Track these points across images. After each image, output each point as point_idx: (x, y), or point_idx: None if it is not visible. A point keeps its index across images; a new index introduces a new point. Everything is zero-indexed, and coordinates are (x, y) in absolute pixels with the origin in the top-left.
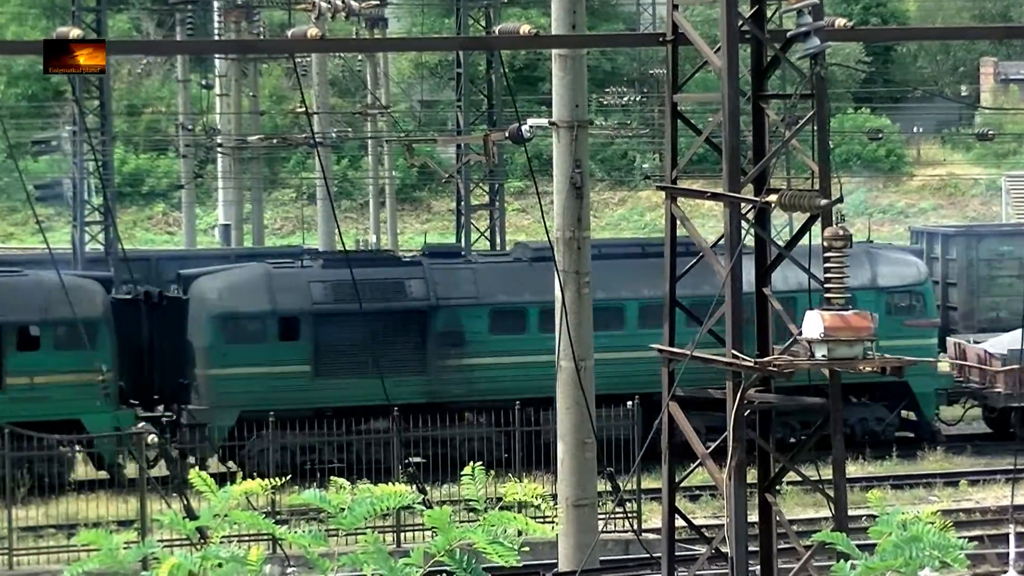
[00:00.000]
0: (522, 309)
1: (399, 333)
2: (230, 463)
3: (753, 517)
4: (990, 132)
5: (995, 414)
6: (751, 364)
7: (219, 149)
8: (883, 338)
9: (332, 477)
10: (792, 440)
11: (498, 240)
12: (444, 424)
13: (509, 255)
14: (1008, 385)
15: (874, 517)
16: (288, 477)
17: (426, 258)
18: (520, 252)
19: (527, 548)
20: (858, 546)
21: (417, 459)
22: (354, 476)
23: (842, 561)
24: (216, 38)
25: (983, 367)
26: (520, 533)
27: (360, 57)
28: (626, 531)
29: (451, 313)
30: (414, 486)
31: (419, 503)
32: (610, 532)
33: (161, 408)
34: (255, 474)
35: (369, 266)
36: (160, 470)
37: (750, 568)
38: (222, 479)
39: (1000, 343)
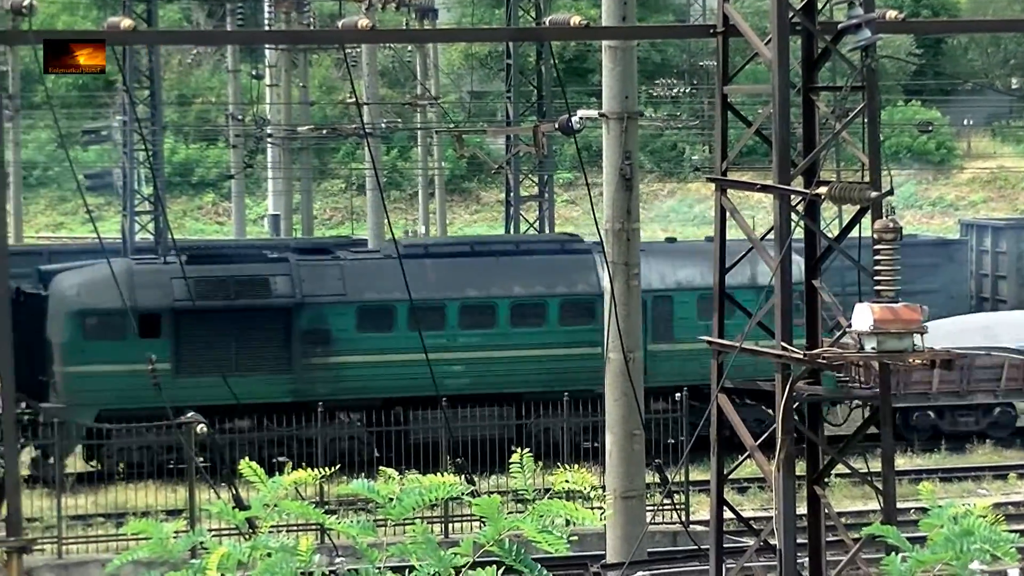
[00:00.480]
0: (390, 307)
1: (263, 331)
2: (93, 462)
3: (801, 509)
4: None
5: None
6: (800, 356)
7: (269, 139)
8: (765, 337)
9: (380, 467)
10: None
11: (547, 231)
12: (308, 423)
13: (379, 252)
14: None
15: (923, 510)
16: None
17: (293, 254)
18: (390, 249)
19: (575, 538)
20: (907, 539)
21: (283, 459)
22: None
23: (893, 554)
24: (266, 28)
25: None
26: (569, 523)
27: (410, 48)
28: (674, 523)
29: (317, 311)
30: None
31: (467, 494)
32: (658, 524)
33: (24, 405)
34: (116, 474)
35: (234, 262)
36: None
37: (798, 560)
38: (89, 478)
39: None
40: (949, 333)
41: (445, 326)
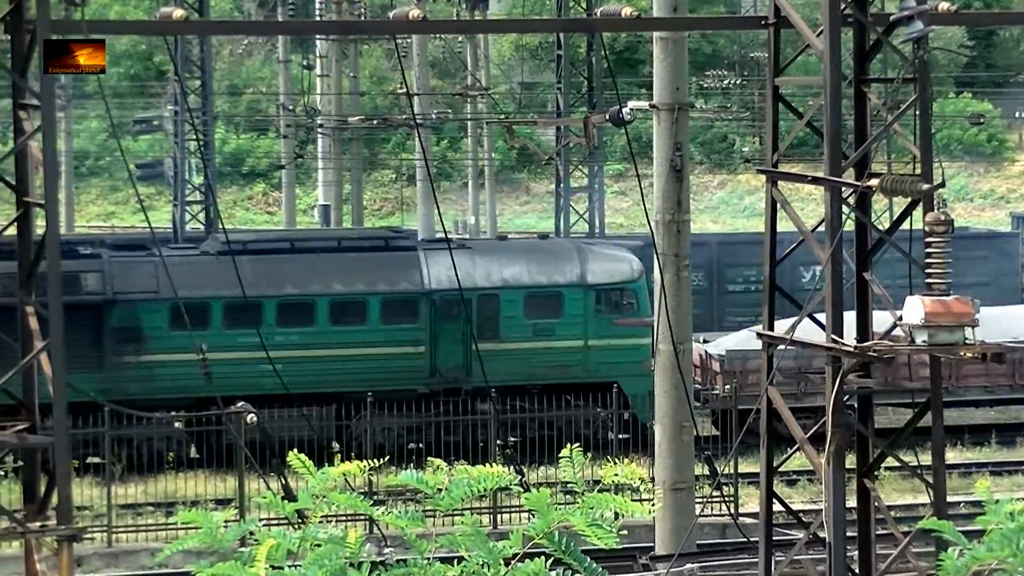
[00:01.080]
0: (205, 304)
1: (72, 328)
2: None
3: (851, 502)
4: None
5: (714, 417)
6: (851, 349)
7: (319, 129)
8: (592, 337)
9: (429, 457)
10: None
11: (596, 222)
12: (123, 423)
13: (197, 248)
14: (725, 387)
15: (975, 504)
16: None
17: (107, 250)
18: (209, 246)
19: (624, 532)
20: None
21: (96, 459)
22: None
23: (950, 549)
24: (317, 18)
25: (704, 368)
26: (618, 516)
27: (460, 38)
28: (723, 515)
29: (129, 308)
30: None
31: (517, 485)
32: (707, 516)
33: None
34: None
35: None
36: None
37: (847, 554)
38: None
39: (721, 344)
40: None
41: (262, 324)
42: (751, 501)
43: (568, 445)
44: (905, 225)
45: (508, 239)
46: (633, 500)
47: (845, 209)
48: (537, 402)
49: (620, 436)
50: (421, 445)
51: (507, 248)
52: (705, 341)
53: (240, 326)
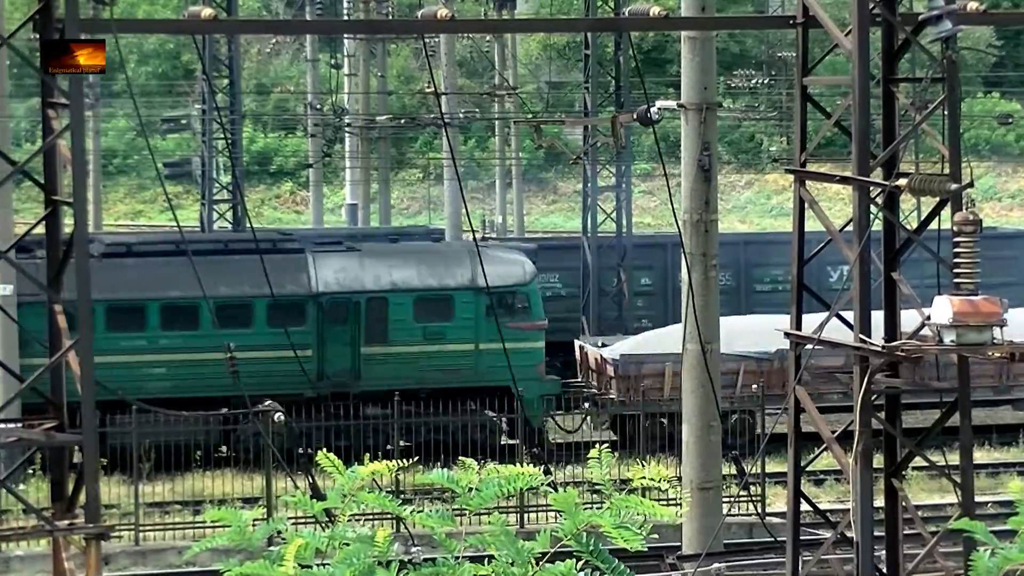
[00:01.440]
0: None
1: None
2: None
3: (879, 502)
4: None
5: (607, 423)
6: (879, 349)
7: (347, 129)
8: (484, 340)
9: (460, 457)
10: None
11: (624, 222)
12: None
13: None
14: (621, 392)
15: (1002, 503)
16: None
17: None
18: (93, 248)
19: (655, 536)
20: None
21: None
22: None
23: (981, 549)
24: (345, 18)
25: (600, 372)
26: (646, 519)
27: (488, 38)
28: (750, 514)
29: None
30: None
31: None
32: (734, 515)
33: None
34: None
35: None
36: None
37: (875, 553)
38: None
39: (617, 348)
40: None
41: (146, 327)
42: (778, 501)
43: (598, 448)
44: (933, 225)
45: (399, 241)
46: (660, 503)
47: (873, 209)
48: (427, 407)
49: (512, 441)
50: (311, 450)
51: (397, 251)
52: (603, 345)
53: (123, 329)
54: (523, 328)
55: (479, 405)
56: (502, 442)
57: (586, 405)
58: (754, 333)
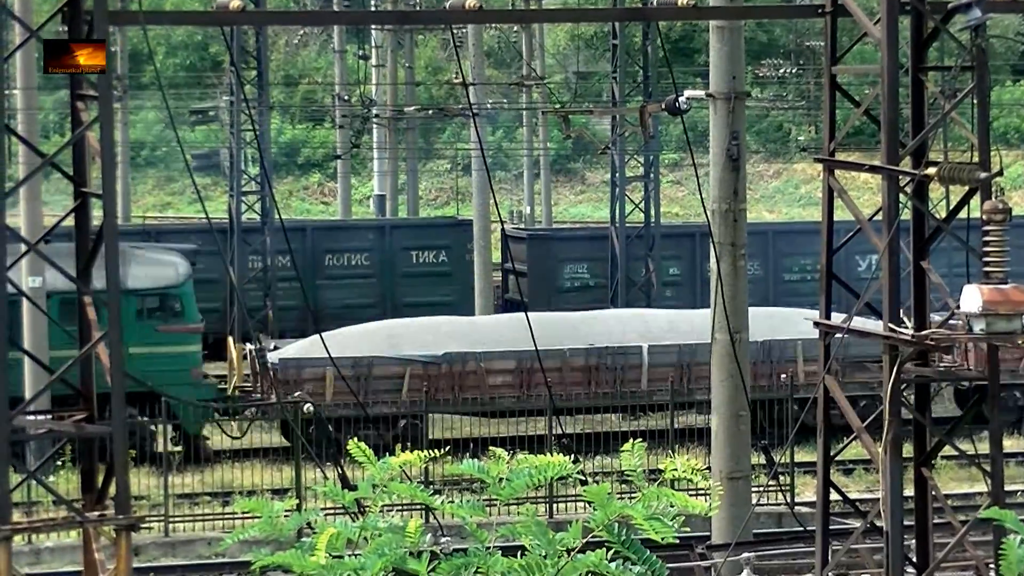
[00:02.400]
0: None
1: None
2: None
3: (908, 491)
4: None
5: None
6: (908, 338)
7: (375, 120)
8: (135, 344)
9: (490, 447)
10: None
11: (652, 212)
12: None
13: None
14: (282, 397)
15: None
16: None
17: None
18: None
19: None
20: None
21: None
22: None
23: (1011, 537)
24: (373, 9)
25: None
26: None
27: (516, 28)
28: (779, 504)
29: None
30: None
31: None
32: (763, 505)
33: None
34: None
35: None
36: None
37: (905, 543)
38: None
39: (287, 351)
40: None
41: None
42: (807, 490)
43: (632, 441)
44: (962, 214)
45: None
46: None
47: (902, 198)
48: None
49: (172, 448)
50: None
51: (49, 252)
52: (276, 348)
53: None
54: (176, 331)
55: (138, 412)
56: (158, 449)
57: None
58: (424, 334)
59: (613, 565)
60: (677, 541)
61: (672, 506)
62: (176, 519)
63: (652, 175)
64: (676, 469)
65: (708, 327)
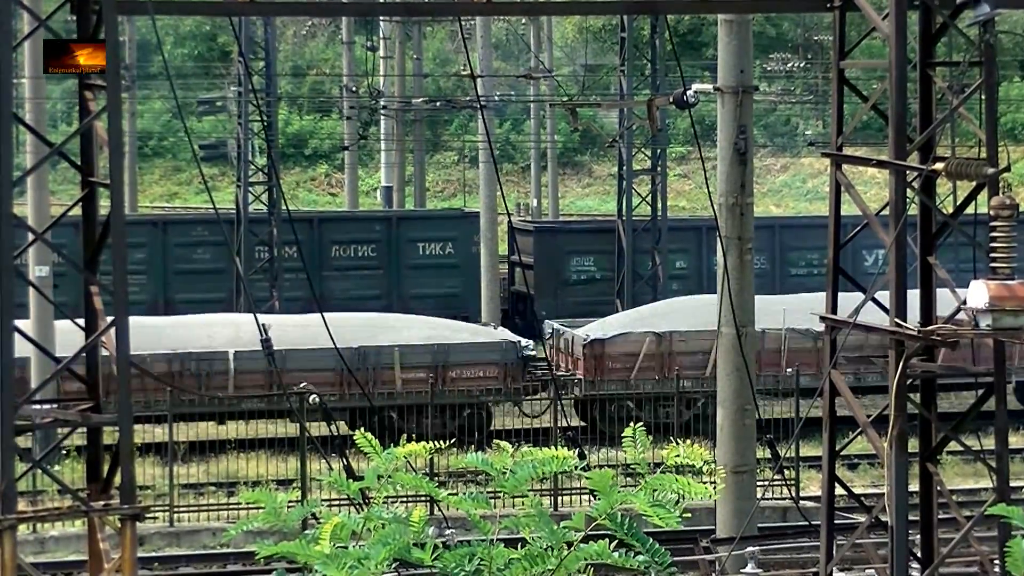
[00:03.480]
0: None
1: None
2: None
3: (913, 486)
4: None
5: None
6: (914, 333)
7: (382, 111)
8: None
9: (496, 440)
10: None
11: (659, 205)
12: None
13: None
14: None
15: None
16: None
17: None
18: None
19: (688, 515)
20: None
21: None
22: None
23: (1016, 535)
24: (381, 0)
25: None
26: (680, 499)
27: (524, 20)
28: (784, 498)
29: None
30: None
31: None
32: (768, 499)
33: None
34: None
35: None
36: (320, 430)
37: (910, 538)
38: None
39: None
40: None
41: None
42: (812, 485)
43: (632, 425)
44: (970, 209)
45: None
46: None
47: (909, 193)
48: None
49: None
50: None
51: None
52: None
53: None
54: None
55: None
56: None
57: None
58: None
59: (616, 554)
60: (680, 528)
61: (675, 492)
62: (181, 509)
63: (659, 168)
64: (679, 455)
65: None
